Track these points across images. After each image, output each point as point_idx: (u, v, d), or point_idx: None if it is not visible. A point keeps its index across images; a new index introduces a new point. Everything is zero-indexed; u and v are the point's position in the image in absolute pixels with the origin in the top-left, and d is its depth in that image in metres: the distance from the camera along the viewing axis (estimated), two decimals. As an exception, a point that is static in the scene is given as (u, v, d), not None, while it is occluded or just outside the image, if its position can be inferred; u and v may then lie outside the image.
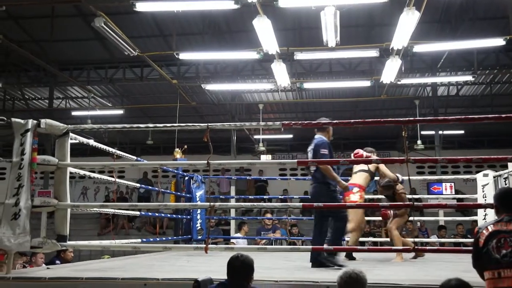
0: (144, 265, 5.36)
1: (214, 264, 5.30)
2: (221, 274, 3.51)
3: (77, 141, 5.02)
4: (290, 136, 18.20)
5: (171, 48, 11.93)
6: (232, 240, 9.87)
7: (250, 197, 12.04)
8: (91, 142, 5.15)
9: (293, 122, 4.29)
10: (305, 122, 4.28)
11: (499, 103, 14.67)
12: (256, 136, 16.84)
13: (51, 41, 11.86)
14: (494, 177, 8.27)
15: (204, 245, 4.24)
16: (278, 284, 3.85)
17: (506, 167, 7.63)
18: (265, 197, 12.77)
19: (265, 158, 18.41)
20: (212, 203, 4.25)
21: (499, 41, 8.91)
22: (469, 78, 11.64)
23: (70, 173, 4.70)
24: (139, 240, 6.77)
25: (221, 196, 12.26)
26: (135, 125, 4.72)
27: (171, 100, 14.23)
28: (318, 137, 5.22)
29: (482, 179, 8.26)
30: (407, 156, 4.24)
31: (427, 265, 5.56)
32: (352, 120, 4.23)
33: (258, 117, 15.99)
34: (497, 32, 10.02)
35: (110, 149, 5.61)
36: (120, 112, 15.04)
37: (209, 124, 4.37)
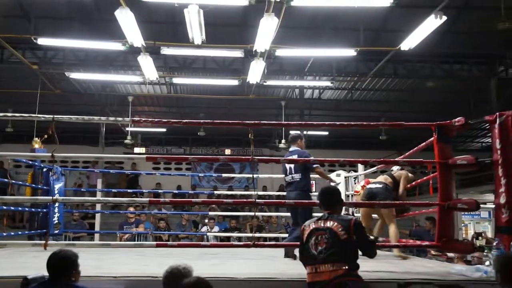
0: (-19, 263, 5.01)
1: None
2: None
3: None
4: (164, 130, 18.07)
5: (38, 31, 11.22)
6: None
7: (113, 190, 11.75)
8: None
9: (143, 119, 4.29)
10: (155, 120, 4.32)
11: (360, 108, 15.93)
12: (128, 129, 16.44)
13: None
14: (345, 177, 8.95)
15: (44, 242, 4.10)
16: (117, 280, 3.84)
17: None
18: (129, 190, 12.50)
19: (139, 151, 18.15)
20: (54, 197, 4.12)
21: (351, 52, 9.66)
22: (327, 83, 12.46)
23: None
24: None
25: (82, 189, 11.75)
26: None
27: (35, 86, 13.36)
28: (297, 148, 5.99)
29: (336, 179, 8.90)
30: (253, 155, 4.54)
31: (274, 260, 5.86)
32: (201, 121, 4.37)
33: (132, 109, 15.63)
34: (355, 42, 10.86)
35: None
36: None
37: (55, 116, 4.23)
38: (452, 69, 13.34)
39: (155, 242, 5.02)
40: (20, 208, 7.90)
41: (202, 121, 4.36)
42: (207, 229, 11.28)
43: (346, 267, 3.29)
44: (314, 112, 16.17)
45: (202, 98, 15.11)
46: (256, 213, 10.83)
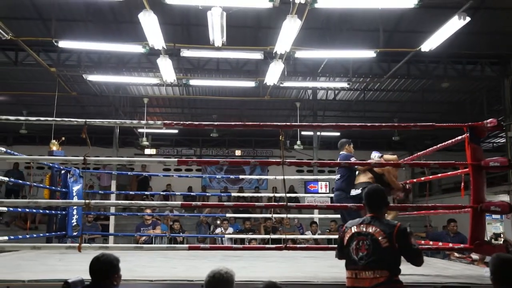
0: (10, 265, 5.03)
1: (88, 262, 5.09)
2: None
3: None
4: (175, 131, 18.08)
5: (51, 33, 11.24)
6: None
7: (131, 192, 11.72)
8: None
9: (174, 122, 4.30)
10: (187, 122, 4.32)
11: (371, 108, 15.90)
12: (140, 130, 16.47)
13: None
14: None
15: (78, 244, 4.11)
16: (153, 284, 3.85)
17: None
18: (147, 193, 12.50)
19: (149, 152, 18.15)
20: (87, 201, 4.13)
21: (370, 53, 9.64)
22: (344, 84, 12.45)
23: None
24: (6, 237, 6.32)
25: (100, 192, 11.75)
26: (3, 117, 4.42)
27: (49, 88, 13.39)
28: (343, 153, 6.27)
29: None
30: (283, 159, 4.53)
31: (298, 261, 5.88)
32: (233, 123, 4.36)
33: (143, 110, 15.64)
34: (371, 43, 10.82)
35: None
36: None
37: (87, 120, 4.24)
38: (465, 69, 13.28)
39: (187, 245, 5.01)
40: (41, 211, 7.87)
41: (233, 123, 4.38)
42: (221, 231, 11.30)
43: (388, 274, 3.23)
44: (327, 113, 16.16)
45: (216, 99, 15.10)
46: (269, 215, 10.88)
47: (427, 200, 8.69)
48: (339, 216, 11.16)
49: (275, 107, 16.53)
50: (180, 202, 4.61)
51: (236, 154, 19.40)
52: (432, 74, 13.22)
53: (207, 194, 13.27)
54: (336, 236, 9.77)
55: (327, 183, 13.09)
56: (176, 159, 4.43)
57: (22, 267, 4.88)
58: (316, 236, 10.66)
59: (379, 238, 3.29)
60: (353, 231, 3.43)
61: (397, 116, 16.65)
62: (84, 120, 4.17)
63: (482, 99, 14.72)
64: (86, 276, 3.37)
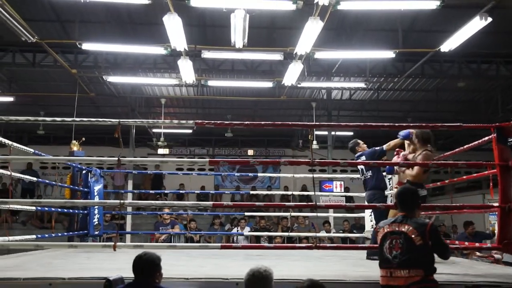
0: (43, 263, 5.14)
1: (116, 261, 5.20)
2: (127, 271, 3.47)
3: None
4: (189, 131, 18.17)
5: (69, 34, 11.38)
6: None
7: (151, 191, 11.83)
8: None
9: (206, 121, 4.39)
10: (218, 122, 4.39)
11: (385, 108, 15.92)
12: (154, 130, 16.60)
13: None
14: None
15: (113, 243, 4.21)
16: (189, 282, 3.92)
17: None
18: (166, 191, 12.59)
19: (163, 152, 18.27)
20: (122, 201, 4.22)
21: (389, 54, 9.68)
22: (361, 84, 12.47)
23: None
24: (34, 236, 6.46)
25: (121, 191, 11.81)
26: (39, 118, 4.51)
27: (65, 88, 13.55)
28: (361, 152, 6.24)
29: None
30: (312, 158, 4.61)
31: (322, 260, 5.93)
32: (263, 122, 4.44)
33: (157, 110, 15.78)
34: (387, 43, 10.84)
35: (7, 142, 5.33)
36: (10, 99, 13.90)
37: (121, 120, 4.34)
38: (479, 68, 13.26)
39: (219, 244, 5.09)
40: (65, 210, 8.01)
41: (263, 122, 4.45)
42: (237, 230, 11.37)
43: (422, 274, 3.29)
44: (342, 112, 16.20)
45: (230, 100, 15.17)
46: (284, 213, 10.94)
47: (451, 198, 8.70)
48: (351, 215, 11.31)
49: (289, 107, 16.58)
50: (212, 202, 4.71)
51: (249, 154, 19.51)
52: (447, 73, 13.22)
53: (226, 192, 13.35)
54: (351, 235, 9.88)
55: (342, 182, 13.14)
56: (208, 159, 4.51)
57: (54, 265, 4.98)
58: (337, 235, 10.73)
59: (413, 236, 3.34)
60: (385, 230, 3.50)
61: (410, 116, 16.65)
62: (118, 120, 4.28)
63: (497, 98, 14.67)
64: (122, 274, 3.47)
